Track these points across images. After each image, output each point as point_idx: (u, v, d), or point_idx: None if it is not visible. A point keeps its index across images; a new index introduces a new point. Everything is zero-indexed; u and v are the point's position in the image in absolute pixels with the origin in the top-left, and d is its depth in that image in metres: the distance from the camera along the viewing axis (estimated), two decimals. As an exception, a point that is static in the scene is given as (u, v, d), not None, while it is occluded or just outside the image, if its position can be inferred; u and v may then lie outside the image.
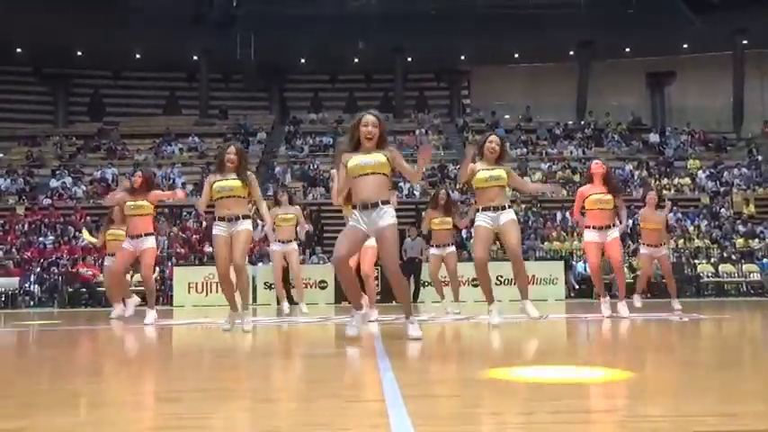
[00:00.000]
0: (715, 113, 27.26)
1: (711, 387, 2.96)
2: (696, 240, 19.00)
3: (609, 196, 7.64)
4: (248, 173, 6.26)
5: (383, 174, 4.99)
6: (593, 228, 7.66)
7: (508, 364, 3.73)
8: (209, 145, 25.81)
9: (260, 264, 15.75)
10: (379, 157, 4.97)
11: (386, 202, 4.97)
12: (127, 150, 25.29)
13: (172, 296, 15.17)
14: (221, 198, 6.13)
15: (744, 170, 23.63)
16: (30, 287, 16.63)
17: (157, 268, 14.25)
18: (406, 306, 5.09)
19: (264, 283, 14.73)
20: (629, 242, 16.89)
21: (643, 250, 9.20)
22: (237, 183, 6.12)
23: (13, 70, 27.40)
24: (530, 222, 19.71)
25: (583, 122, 27.39)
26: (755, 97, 27.21)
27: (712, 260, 17.74)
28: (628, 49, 27.66)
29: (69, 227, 19.39)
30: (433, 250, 9.74)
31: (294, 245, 9.55)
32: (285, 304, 9.88)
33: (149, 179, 8.38)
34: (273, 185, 21.86)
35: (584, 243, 7.97)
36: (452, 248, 9.65)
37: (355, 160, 4.99)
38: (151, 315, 7.90)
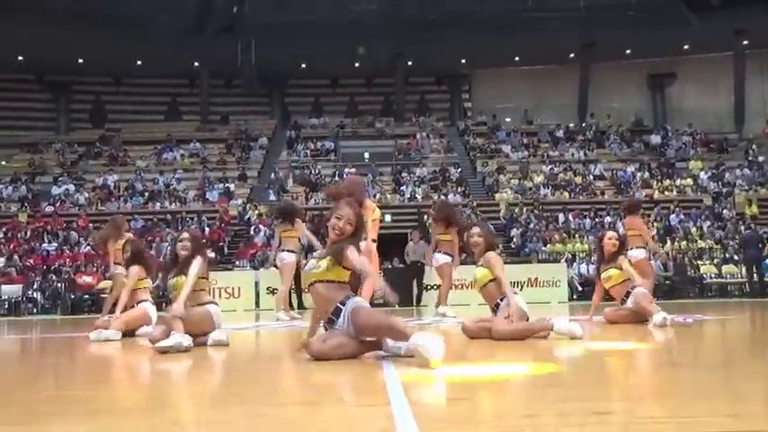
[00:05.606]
0: (716, 114, 27.25)
1: (717, 388, 2.95)
2: (699, 242, 18.96)
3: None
4: None
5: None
6: None
7: (512, 367, 3.72)
8: (211, 151, 25.85)
9: (262, 269, 15.74)
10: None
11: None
12: (129, 157, 25.33)
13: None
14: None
15: (746, 171, 23.63)
16: (32, 294, 16.60)
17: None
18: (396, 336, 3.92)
19: (267, 288, 14.70)
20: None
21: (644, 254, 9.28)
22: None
23: (14, 78, 27.39)
24: (531, 225, 19.68)
25: (584, 124, 27.42)
26: (756, 97, 27.18)
27: (715, 261, 17.70)
28: (628, 51, 27.64)
29: (72, 233, 19.39)
30: (440, 256, 9.08)
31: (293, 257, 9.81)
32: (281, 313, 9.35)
33: None
34: (274, 191, 21.92)
35: None
36: (455, 258, 9.17)
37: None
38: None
